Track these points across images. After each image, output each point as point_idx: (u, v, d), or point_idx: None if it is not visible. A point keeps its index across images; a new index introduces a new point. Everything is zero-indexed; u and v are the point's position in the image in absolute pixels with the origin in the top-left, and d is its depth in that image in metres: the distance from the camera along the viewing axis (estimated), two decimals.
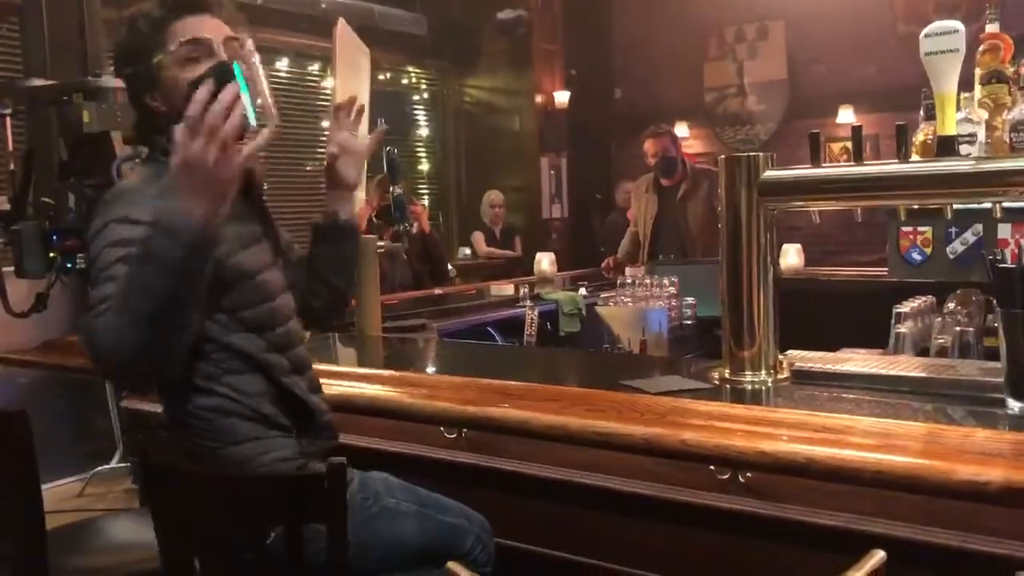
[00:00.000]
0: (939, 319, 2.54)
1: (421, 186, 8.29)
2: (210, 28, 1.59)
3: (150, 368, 1.33)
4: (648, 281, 3.62)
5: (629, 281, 3.64)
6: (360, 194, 1.81)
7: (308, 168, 7.15)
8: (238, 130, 1.31)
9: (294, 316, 1.70)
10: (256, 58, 1.42)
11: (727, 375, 1.83)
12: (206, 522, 1.45)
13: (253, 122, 1.36)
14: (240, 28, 1.63)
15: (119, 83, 2.95)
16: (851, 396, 1.68)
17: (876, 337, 2.52)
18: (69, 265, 2.76)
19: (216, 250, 1.35)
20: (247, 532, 1.45)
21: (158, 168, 1.53)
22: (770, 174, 1.79)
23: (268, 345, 1.60)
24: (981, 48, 1.75)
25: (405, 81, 8.30)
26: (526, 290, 3.87)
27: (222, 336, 1.55)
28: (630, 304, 3.49)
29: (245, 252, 1.60)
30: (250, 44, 1.46)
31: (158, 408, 1.68)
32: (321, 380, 1.85)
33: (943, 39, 1.67)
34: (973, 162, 1.65)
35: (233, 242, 1.57)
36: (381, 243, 2.95)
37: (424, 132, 8.41)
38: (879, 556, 0.92)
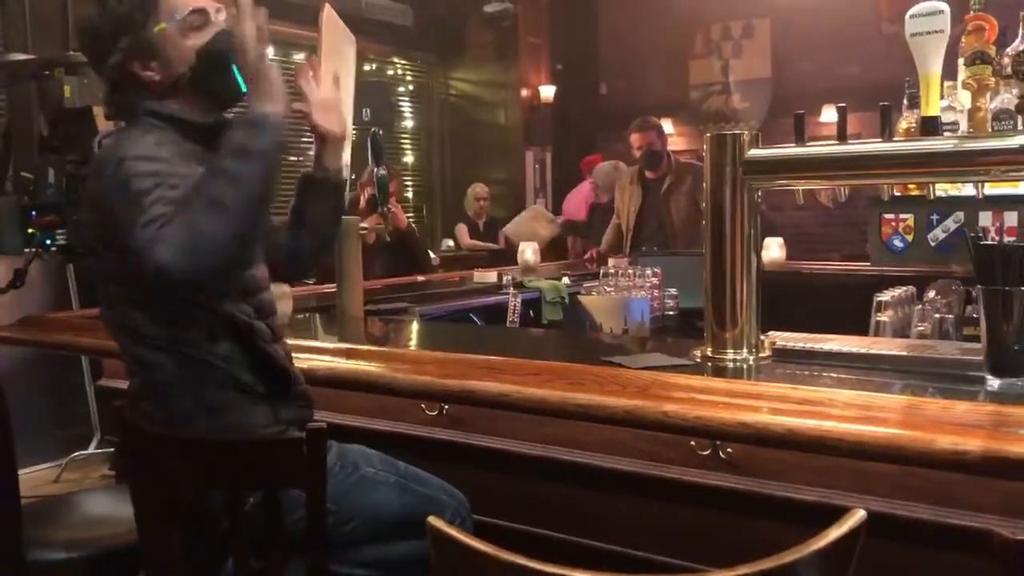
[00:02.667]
0: (919, 307, 2.57)
1: (405, 177, 8.27)
2: (189, 1, 1.62)
3: (236, 263, 1.44)
4: (631, 271, 3.62)
5: (612, 271, 3.64)
6: (346, 155, 1.83)
7: (292, 159, 7.11)
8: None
9: (270, 286, 1.73)
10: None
11: (709, 353, 1.83)
12: (184, 487, 1.44)
13: (244, 88, 1.54)
14: None
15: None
16: (832, 373, 1.69)
17: (857, 330, 2.53)
18: (48, 241, 2.74)
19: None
20: (225, 498, 1.44)
21: (147, 129, 1.56)
22: (755, 152, 1.80)
23: (253, 311, 1.61)
24: (967, 29, 1.76)
25: (391, 72, 8.27)
26: (509, 278, 3.86)
27: (212, 302, 1.55)
28: (613, 293, 3.49)
29: None
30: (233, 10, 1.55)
31: None
32: (301, 355, 1.85)
33: (929, 20, 1.68)
34: (956, 141, 1.66)
35: None
36: (364, 225, 2.93)
37: (409, 123, 8.39)
38: (860, 515, 0.92)
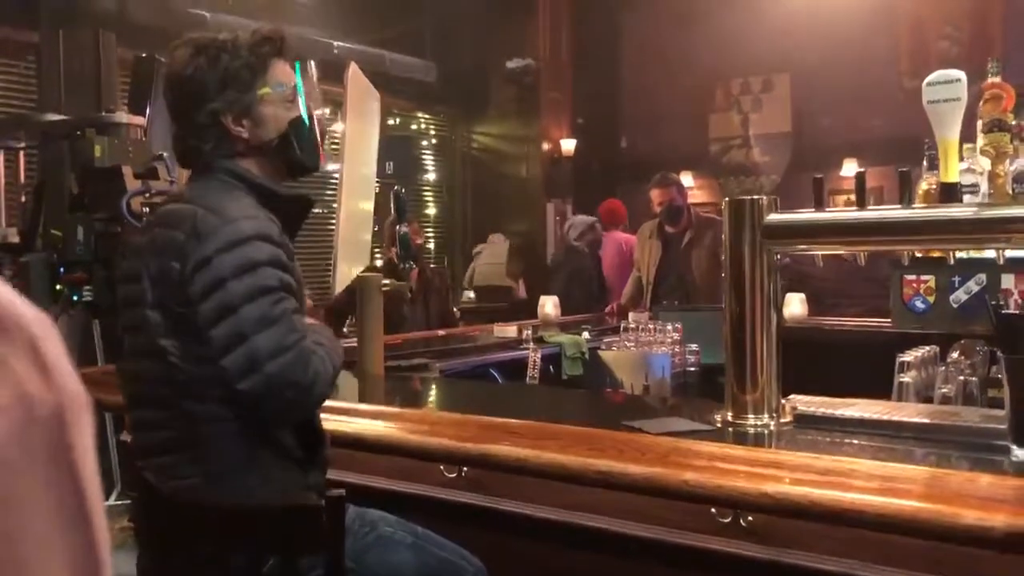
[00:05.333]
0: (943, 369, 2.54)
1: (428, 229, 8.35)
2: (292, 75, 1.72)
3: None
4: (651, 326, 3.60)
5: (632, 326, 3.63)
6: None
7: (316, 211, 7.20)
8: None
9: None
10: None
11: (730, 418, 1.82)
12: (203, 552, 1.45)
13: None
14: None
15: (132, 119, 3.01)
16: (854, 440, 1.67)
17: (880, 387, 2.51)
18: (75, 297, 2.77)
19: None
20: (244, 563, 1.45)
21: (228, 188, 1.63)
22: (774, 217, 1.80)
23: None
24: (984, 97, 1.77)
25: (414, 126, 8.40)
26: (529, 332, 3.86)
27: None
28: (633, 349, 3.48)
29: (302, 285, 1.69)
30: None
31: None
32: (322, 415, 1.85)
33: (945, 88, 1.70)
34: (975, 208, 1.66)
35: (301, 276, 1.67)
36: (386, 282, 2.95)
37: (432, 176, 8.49)
38: None
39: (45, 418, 0.46)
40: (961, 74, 1.70)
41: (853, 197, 1.82)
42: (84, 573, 0.46)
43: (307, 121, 1.70)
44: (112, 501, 4.57)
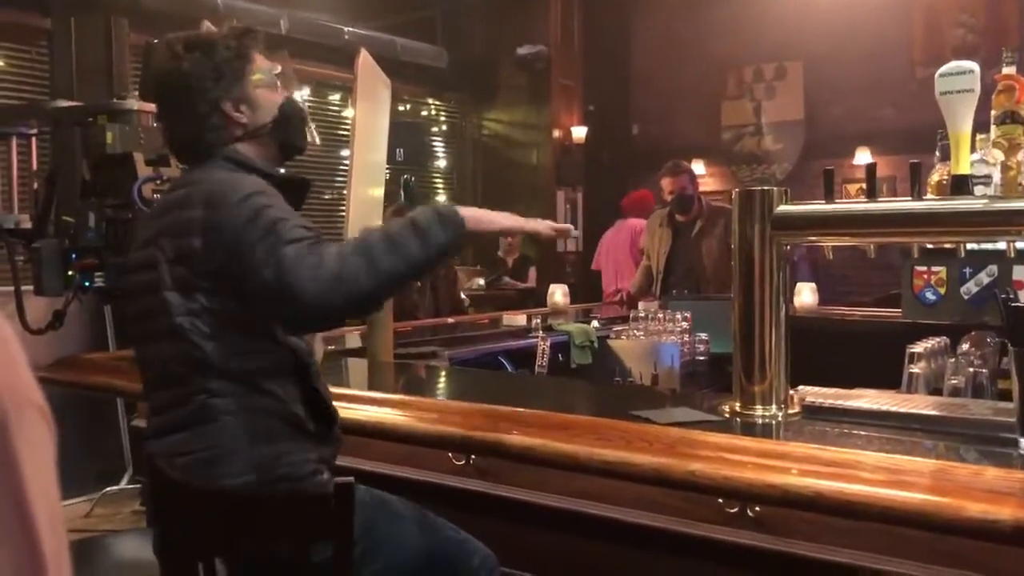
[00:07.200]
0: (952, 360, 2.53)
1: None
2: (272, 64, 1.81)
3: (353, 314, 1.61)
4: (661, 315, 3.61)
5: (642, 315, 3.63)
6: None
7: (326, 197, 7.23)
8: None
9: None
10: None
11: (738, 408, 1.82)
12: (210, 537, 1.46)
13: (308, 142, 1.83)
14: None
15: (143, 106, 3.01)
16: (861, 432, 1.67)
17: (890, 377, 2.50)
18: (87, 283, 2.78)
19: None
20: (252, 549, 1.46)
21: (231, 170, 1.68)
22: (784, 208, 1.80)
23: (307, 349, 1.70)
24: (997, 88, 1.76)
25: (425, 113, 8.39)
26: (538, 321, 3.87)
27: (282, 334, 1.63)
28: (642, 338, 3.48)
29: None
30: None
31: None
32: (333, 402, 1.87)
33: (958, 79, 1.69)
34: (986, 201, 1.65)
35: None
36: None
37: (442, 163, 8.49)
38: None
39: None
40: (974, 65, 1.69)
41: (865, 186, 1.82)
42: None
43: (294, 103, 1.80)
44: (123, 484, 4.62)
